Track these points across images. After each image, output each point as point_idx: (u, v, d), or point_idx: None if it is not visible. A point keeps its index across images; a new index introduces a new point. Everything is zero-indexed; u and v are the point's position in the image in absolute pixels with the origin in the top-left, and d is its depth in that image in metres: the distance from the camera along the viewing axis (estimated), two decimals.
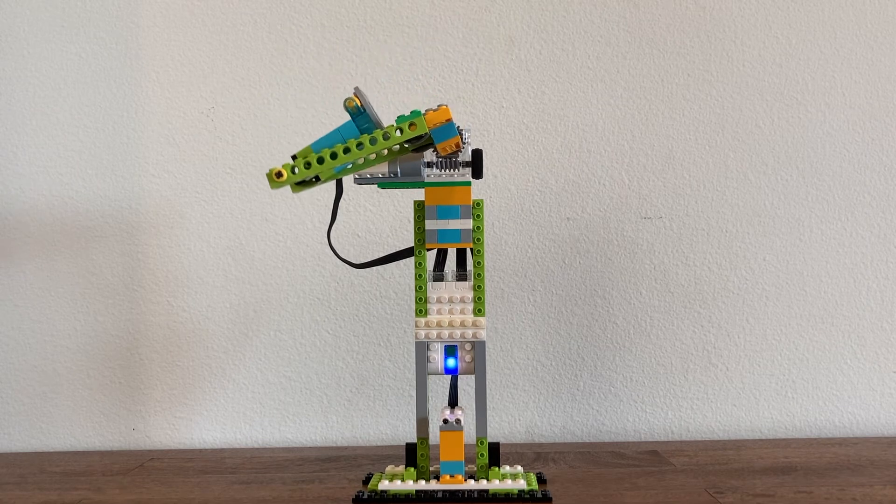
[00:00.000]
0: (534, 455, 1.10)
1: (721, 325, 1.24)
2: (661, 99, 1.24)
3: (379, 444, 1.23)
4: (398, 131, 0.86)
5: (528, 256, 1.24)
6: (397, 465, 0.98)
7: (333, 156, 0.85)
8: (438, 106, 0.87)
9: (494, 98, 1.24)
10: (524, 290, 1.24)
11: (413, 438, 1.18)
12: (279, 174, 0.84)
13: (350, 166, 0.88)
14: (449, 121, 0.86)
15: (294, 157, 0.86)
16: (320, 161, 0.85)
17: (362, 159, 0.87)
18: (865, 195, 1.24)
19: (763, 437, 1.23)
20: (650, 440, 1.23)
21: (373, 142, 0.85)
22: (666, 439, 1.24)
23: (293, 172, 0.85)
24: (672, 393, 1.24)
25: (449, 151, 0.88)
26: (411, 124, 0.85)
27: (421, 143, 0.88)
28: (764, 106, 1.24)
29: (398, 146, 0.87)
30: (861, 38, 1.24)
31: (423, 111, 0.87)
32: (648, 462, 1.06)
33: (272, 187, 0.85)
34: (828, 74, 1.24)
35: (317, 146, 0.87)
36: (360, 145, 0.85)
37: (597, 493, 0.93)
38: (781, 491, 0.92)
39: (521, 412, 1.24)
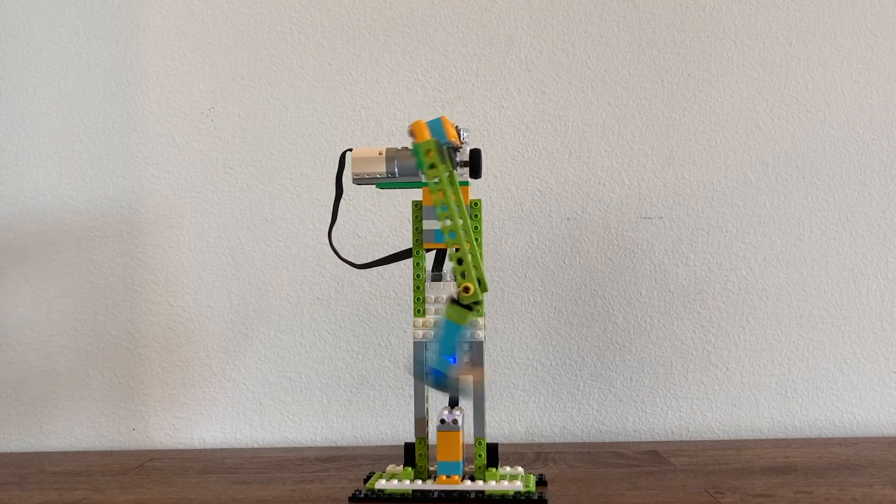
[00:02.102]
0: (534, 455, 1.10)
1: (721, 325, 1.24)
2: (661, 99, 1.24)
3: (379, 443, 1.23)
4: (432, 168, 0.83)
5: (528, 256, 1.24)
6: (398, 465, 0.98)
7: (455, 230, 0.83)
8: (410, 130, 0.85)
9: (494, 98, 1.24)
10: (524, 290, 1.24)
11: (413, 438, 1.18)
12: (466, 288, 0.83)
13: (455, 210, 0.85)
14: (427, 123, 0.85)
15: (466, 290, 0.83)
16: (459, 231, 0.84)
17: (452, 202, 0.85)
18: (865, 195, 1.24)
19: (763, 437, 1.23)
20: (650, 440, 1.23)
21: (444, 196, 0.83)
22: (666, 439, 1.24)
23: (476, 288, 0.83)
24: (672, 393, 1.24)
25: (455, 135, 0.87)
26: (427, 153, 0.83)
27: (448, 155, 0.86)
28: (764, 106, 1.24)
29: (448, 174, 0.84)
30: (861, 38, 1.24)
31: (413, 141, 0.85)
32: (648, 462, 1.06)
33: (479, 299, 0.83)
34: (828, 74, 1.24)
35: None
36: (444, 207, 0.83)
37: (597, 493, 0.93)
38: (781, 491, 0.92)
39: (521, 412, 1.24)
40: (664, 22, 1.24)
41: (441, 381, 0.86)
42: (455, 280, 0.84)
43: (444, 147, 0.84)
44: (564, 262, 1.24)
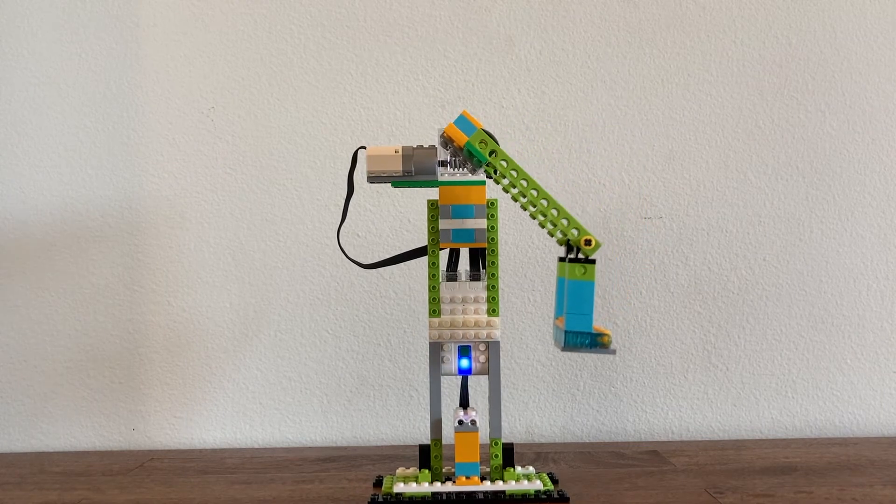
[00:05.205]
0: (534, 455, 1.10)
1: (721, 325, 1.24)
2: (661, 99, 1.24)
3: (379, 444, 1.23)
4: (493, 154, 0.85)
5: (528, 256, 1.24)
6: (408, 468, 0.97)
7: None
8: (446, 136, 0.87)
9: (494, 98, 1.24)
10: (524, 290, 1.24)
11: (413, 438, 1.18)
12: (588, 241, 0.84)
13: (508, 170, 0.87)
14: (455, 124, 0.86)
15: (588, 242, 0.84)
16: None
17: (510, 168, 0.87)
18: (865, 195, 1.24)
19: (763, 437, 1.23)
20: (650, 440, 1.23)
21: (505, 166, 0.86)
22: (666, 439, 1.24)
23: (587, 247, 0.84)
24: (672, 393, 1.24)
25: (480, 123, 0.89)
26: (481, 143, 0.85)
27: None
28: (764, 106, 1.24)
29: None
30: (861, 38, 1.24)
31: (455, 144, 0.86)
32: (648, 462, 1.06)
33: (596, 250, 0.84)
34: (828, 74, 1.24)
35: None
36: (519, 182, 0.86)
37: (597, 493, 0.93)
38: (781, 491, 0.92)
39: (521, 412, 1.24)
40: (664, 22, 1.24)
41: (596, 341, 0.84)
42: (562, 239, 0.84)
43: (488, 132, 0.86)
44: None
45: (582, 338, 0.83)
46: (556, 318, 0.88)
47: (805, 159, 1.24)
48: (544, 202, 0.85)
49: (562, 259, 0.86)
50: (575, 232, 0.85)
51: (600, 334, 0.83)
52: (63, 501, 0.94)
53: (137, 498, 0.95)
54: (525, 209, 0.86)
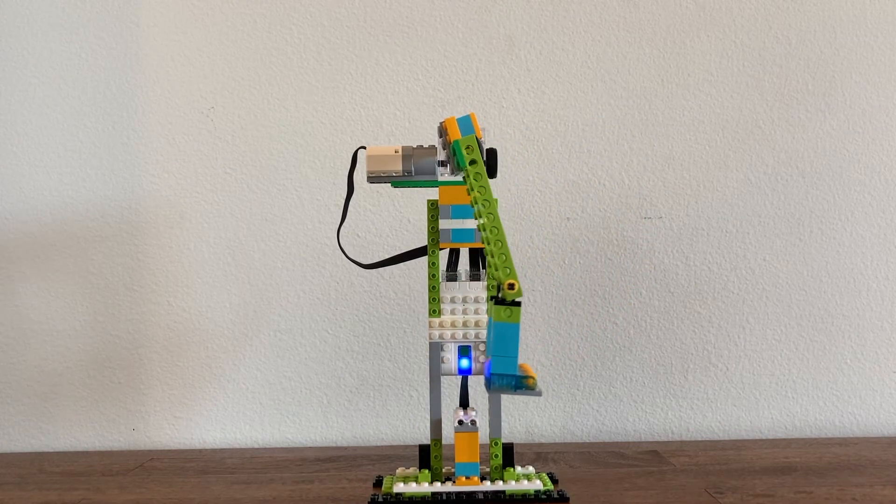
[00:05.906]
0: (534, 455, 1.10)
1: (721, 325, 1.24)
2: (661, 99, 1.24)
3: (378, 444, 1.23)
4: (473, 163, 0.83)
5: (528, 256, 1.24)
6: (408, 468, 0.97)
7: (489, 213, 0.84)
8: (442, 126, 0.85)
9: (494, 98, 1.24)
10: (524, 290, 1.23)
11: (413, 438, 1.18)
12: (511, 285, 0.81)
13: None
14: (457, 120, 0.85)
15: (511, 286, 0.82)
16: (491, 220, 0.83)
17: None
18: (865, 195, 1.24)
19: (763, 437, 1.23)
20: (650, 440, 1.23)
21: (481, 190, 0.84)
22: (666, 439, 1.24)
23: (510, 291, 0.82)
24: (672, 393, 1.24)
25: (481, 133, 0.87)
26: (468, 148, 0.83)
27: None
28: (764, 106, 1.24)
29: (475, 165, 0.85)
30: (861, 38, 1.24)
31: (447, 138, 0.85)
32: (648, 462, 1.06)
33: (522, 295, 0.82)
34: (828, 74, 1.24)
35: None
36: (481, 202, 0.83)
37: (597, 493, 0.93)
38: (781, 491, 0.92)
39: (521, 412, 1.24)
40: (664, 22, 1.24)
41: (521, 383, 0.83)
42: (489, 277, 0.82)
43: (481, 143, 0.84)
44: (564, 262, 1.24)
45: (507, 380, 0.82)
46: (487, 356, 0.87)
47: (805, 159, 1.24)
48: (495, 230, 0.82)
49: (492, 298, 0.84)
50: (507, 270, 0.81)
51: (526, 376, 0.82)
52: (63, 501, 0.94)
53: (137, 498, 0.95)
54: (478, 230, 0.83)
